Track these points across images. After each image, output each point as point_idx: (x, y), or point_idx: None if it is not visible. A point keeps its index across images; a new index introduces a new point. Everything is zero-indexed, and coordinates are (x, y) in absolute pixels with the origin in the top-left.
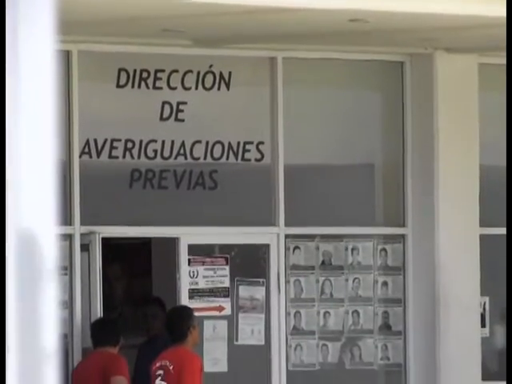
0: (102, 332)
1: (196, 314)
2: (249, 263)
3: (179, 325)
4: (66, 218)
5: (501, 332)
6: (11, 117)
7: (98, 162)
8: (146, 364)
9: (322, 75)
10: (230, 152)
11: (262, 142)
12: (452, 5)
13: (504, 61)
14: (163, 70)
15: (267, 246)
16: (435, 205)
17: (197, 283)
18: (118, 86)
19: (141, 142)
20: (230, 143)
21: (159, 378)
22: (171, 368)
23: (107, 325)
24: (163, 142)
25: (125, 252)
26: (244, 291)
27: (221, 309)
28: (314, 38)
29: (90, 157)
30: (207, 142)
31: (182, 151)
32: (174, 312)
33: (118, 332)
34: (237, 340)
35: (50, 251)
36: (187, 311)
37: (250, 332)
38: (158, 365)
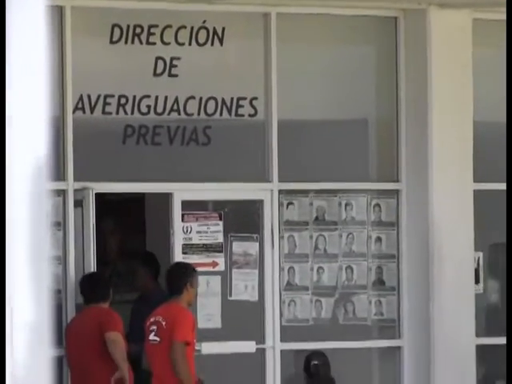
0: (94, 287)
1: None
2: (242, 219)
3: (177, 279)
4: (60, 174)
5: (495, 288)
6: (5, 74)
7: (91, 117)
8: (139, 320)
9: (316, 31)
10: (224, 108)
11: (255, 98)
12: None
13: (499, 16)
14: (157, 26)
15: (261, 202)
16: (429, 160)
17: (190, 239)
18: (112, 41)
19: (134, 97)
20: (223, 99)
21: (152, 333)
22: (164, 324)
23: (99, 280)
24: (156, 97)
25: (118, 208)
26: (238, 247)
27: (214, 264)
28: None
29: (84, 112)
30: (201, 98)
31: (175, 107)
32: (175, 266)
33: (108, 287)
34: (230, 295)
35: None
36: (187, 268)
37: (243, 287)
38: (151, 320)
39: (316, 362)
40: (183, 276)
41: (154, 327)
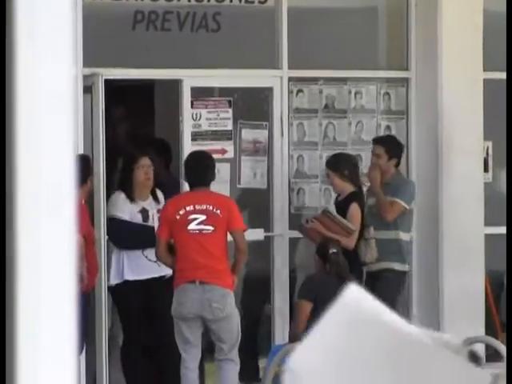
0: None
1: None
2: (252, 106)
3: (210, 169)
4: None
5: (504, 177)
6: None
7: (101, 3)
8: None
9: None
10: None
11: None
12: None
13: None
14: None
15: (270, 89)
16: (439, 48)
17: (200, 126)
18: None
19: None
20: None
21: (197, 221)
22: (219, 212)
23: (78, 162)
24: None
25: (128, 94)
26: (247, 134)
27: (223, 152)
28: None
29: None
30: None
31: None
32: (207, 156)
33: (84, 171)
34: (239, 183)
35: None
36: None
37: (252, 175)
38: (198, 208)
39: (335, 250)
40: (213, 165)
41: (202, 215)
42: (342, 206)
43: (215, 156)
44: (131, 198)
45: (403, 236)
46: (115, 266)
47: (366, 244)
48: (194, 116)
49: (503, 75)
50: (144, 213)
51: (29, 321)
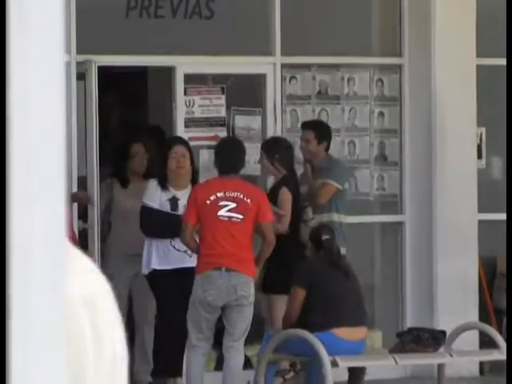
0: None
1: (192, 143)
2: (245, 93)
3: (241, 156)
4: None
5: (497, 163)
6: None
7: None
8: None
9: None
10: None
11: None
12: None
13: None
14: None
15: (263, 76)
16: (432, 34)
17: (193, 112)
18: None
19: None
20: None
21: (225, 208)
22: (249, 201)
23: None
24: None
25: (121, 81)
26: (240, 121)
27: (217, 138)
28: None
29: None
30: None
31: None
32: (236, 142)
33: None
34: None
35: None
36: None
37: (245, 161)
38: (227, 195)
39: (328, 237)
40: (245, 153)
41: (232, 203)
42: (274, 191)
43: (208, 143)
44: (164, 185)
45: (337, 218)
46: (146, 254)
47: (306, 226)
48: (187, 103)
49: (496, 61)
50: (173, 201)
51: (20, 295)
